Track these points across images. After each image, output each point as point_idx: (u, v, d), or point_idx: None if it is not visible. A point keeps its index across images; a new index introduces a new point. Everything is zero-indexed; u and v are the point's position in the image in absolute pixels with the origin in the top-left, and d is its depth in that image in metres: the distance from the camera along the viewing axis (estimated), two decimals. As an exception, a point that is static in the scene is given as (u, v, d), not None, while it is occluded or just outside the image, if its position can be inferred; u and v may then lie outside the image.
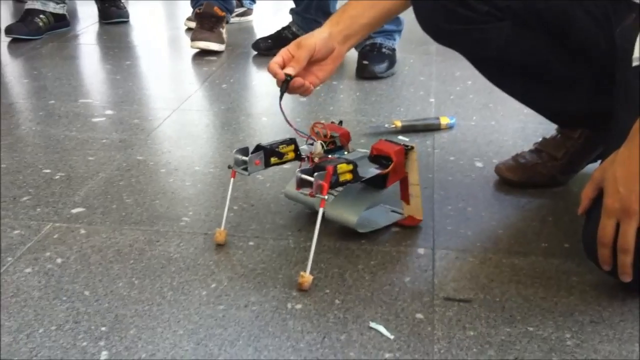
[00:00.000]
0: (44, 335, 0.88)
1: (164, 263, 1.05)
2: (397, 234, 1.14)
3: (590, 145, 1.27)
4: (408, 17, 1.31)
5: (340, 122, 1.18)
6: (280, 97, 1.09)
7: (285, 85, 1.08)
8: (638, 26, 0.99)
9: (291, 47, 1.11)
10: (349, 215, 1.09)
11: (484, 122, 1.66)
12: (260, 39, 2.27)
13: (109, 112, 1.73)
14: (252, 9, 2.78)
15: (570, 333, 0.90)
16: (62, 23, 2.56)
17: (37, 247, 1.10)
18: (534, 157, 1.30)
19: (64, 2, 2.54)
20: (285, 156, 1.11)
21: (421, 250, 1.09)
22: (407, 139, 1.11)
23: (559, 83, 1.20)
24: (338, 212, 1.10)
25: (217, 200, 1.26)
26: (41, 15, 2.45)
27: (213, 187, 1.32)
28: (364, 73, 2.00)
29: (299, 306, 0.95)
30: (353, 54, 2.02)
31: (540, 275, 1.03)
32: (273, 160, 1.09)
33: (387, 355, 0.85)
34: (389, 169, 1.07)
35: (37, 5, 2.46)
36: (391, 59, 2.05)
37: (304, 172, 0.99)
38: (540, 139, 1.33)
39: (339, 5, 2.14)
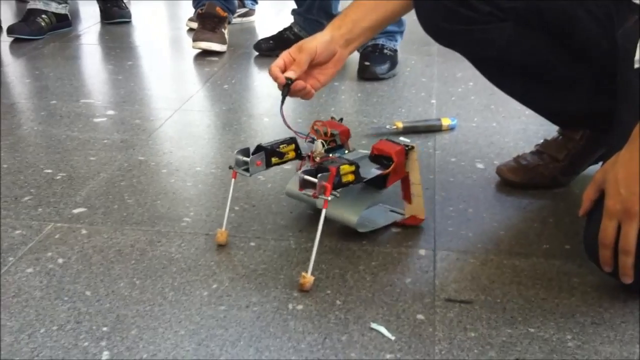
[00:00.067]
0: (46, 336, 0.89)
1: (165, 263, 1.05)
2: (398, 235, 1.14)
3: (592, 146, 1.27)
4: (409, 18, 1.31)
5: (341, 120, 1.18)
6: (282, 102, 1.09)
7: (287, 89, 1.08)
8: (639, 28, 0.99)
9: (292, 50, 1.11)
10: (350, 215, 1.09)
11: (486, 123, 1.66)
12: (262, 39, 2.27)
13: (110, 112, 1.74)
14: (254, 10, 2.78)
15: (572, 334, 0.90)
16: (64, 23, 2.56)
17: (39, 247, 1.10)
18: (536, 158, 1.30)
19: (66, 2, 2.54)
20: (286, 156, 1.11)
21: (422, 251, 1.09)
22: (408, 140, 1.11)
23: (559, 83, 1.20)
24: (338, 211, 1.10)
25: (218, 200, 1.26)
26: (43, 15, 2.45)
27: (214, 187, 1.32)
28: (365, 74, 2.00)
29: (300, 307, 0.95)
30: (354, 55, 2.01)
31: (542, 276, 1.03)
32: (274, 160, 1.09)
33: (388, 356, 0.85)
34: (389, 169, 1.07)
35: (40, 5, 2.46)
36: (393, 60, 2.05)
37: (306, 173, 0.99)
38: (542, 141, 1.33)
39: (341, 6, 2.14)
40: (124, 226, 1.17)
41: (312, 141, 1.11)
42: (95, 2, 2.74)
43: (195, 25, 2.41)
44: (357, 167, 1.03)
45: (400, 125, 1.58)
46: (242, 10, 2.71)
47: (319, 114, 1.71)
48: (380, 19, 1.18)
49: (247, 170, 1.07)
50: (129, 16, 2.73)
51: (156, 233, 1.15)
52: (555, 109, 1.27)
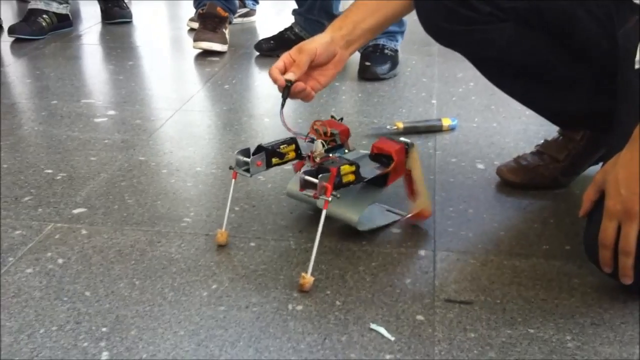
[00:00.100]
0: (45, 336, 0.89)
1: (165, 264, 1.05)
2: (397, 236, 1.14)
3: (592, 147, 1.27)
4: (410, 18, 1.31)
5: (341, 119, 1.18)
6: (282, 104, 1.09)
7: (287, 91, 1.08)
8: (640, 29, 0.99)
9: (292, 51, 1.11)
10: (351, 213, 1.09)
11: (486, 123, 1.66)
12: (263, 39, 2.27)
13: (111, 112, 1.74)
14: (255, 10, 2.78)
15: (571, 335, 0.90)
16: (65, 23, 2.56)
17: (39, 247, 1.10)
18: (536, 159, 1.30)
19: (67, 2, 2.54)
20: (286, 156, 1.11)
21: (422, 252, 1.09)
22: (408, 141, 1.11)
23: (559, 83, 1.19)
24: (339, 210, 1.10)
25: (218, 201, 1.26)
26: (44, 15, 2.45)
27: (215, 187, 1.32)
28: (366, 74, 2.00)
29: (299, 307, 0.95)
30: (355, 55, 2.01)
31: (541, 277, 1.03)
32: (274, 160, 1.09)
33: (387, 357, 0.85)
34: (389, 168, 1.07)
35: (40, 5, 2.46)
36: (393, 60, 2.05)
37: (307, 173, 0.99)
38: (542, 141, 1.33)
39: (342, 6, 2.14)
40: (124, 226, 1.17)
41: (312, 141, 1.11)
42: (96, 2, 2.74)
43: (196, 25, 2.41)
44: (358, 167, 1.03)
45: (400, 125, 1.58)
46: (243, 11, 2.71)
47: (319, 114, 1.71)
48: (381, 20, 1.18)
49: (247, 170, 1.07)
50: (130, 16, 2.73)
51: (156, 233, 1.15)
52: (556, 109, 1.27)
